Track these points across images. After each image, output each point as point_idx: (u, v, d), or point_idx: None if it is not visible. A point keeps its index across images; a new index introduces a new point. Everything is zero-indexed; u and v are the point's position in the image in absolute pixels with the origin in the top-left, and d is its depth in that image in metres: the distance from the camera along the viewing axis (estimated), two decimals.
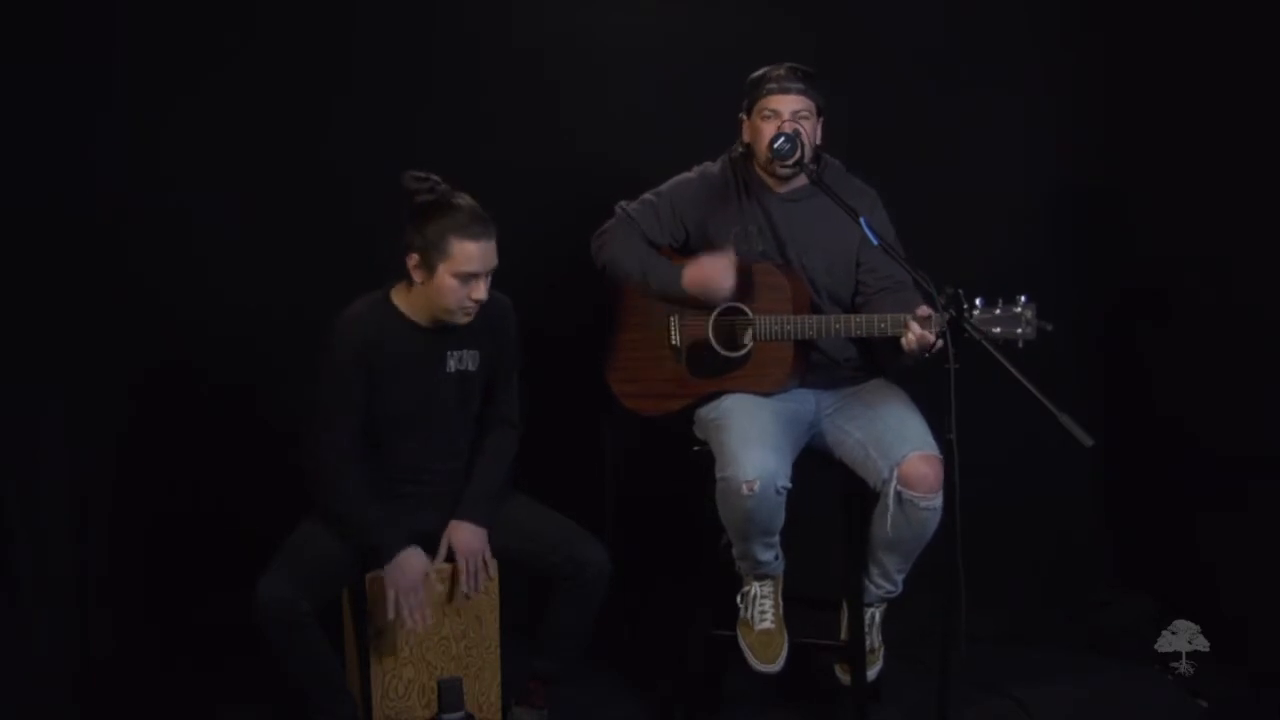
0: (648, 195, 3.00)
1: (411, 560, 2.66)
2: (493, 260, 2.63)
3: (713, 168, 3.00)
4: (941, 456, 2.67)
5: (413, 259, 2.62)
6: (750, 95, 2.88)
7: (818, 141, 2.88)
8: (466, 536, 2.74)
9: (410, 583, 2.64)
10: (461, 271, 2.59)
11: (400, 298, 2.70)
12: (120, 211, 3.21)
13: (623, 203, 3.00)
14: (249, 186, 3.33)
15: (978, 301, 2.53)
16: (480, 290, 2.63)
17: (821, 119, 2.88)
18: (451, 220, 2.59)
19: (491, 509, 2.79)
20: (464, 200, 2.64)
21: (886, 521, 2.74)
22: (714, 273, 2.82)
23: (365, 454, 2.71)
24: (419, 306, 2.68)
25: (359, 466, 2.68)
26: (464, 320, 2.67)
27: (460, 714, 2.66)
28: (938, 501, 2.69)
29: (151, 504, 3.32)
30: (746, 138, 2.92)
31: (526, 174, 3.46)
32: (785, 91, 2.82)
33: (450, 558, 2.75)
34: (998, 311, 2.53)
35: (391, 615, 2.64)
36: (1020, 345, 2.51)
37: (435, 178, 2.65)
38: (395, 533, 2.67)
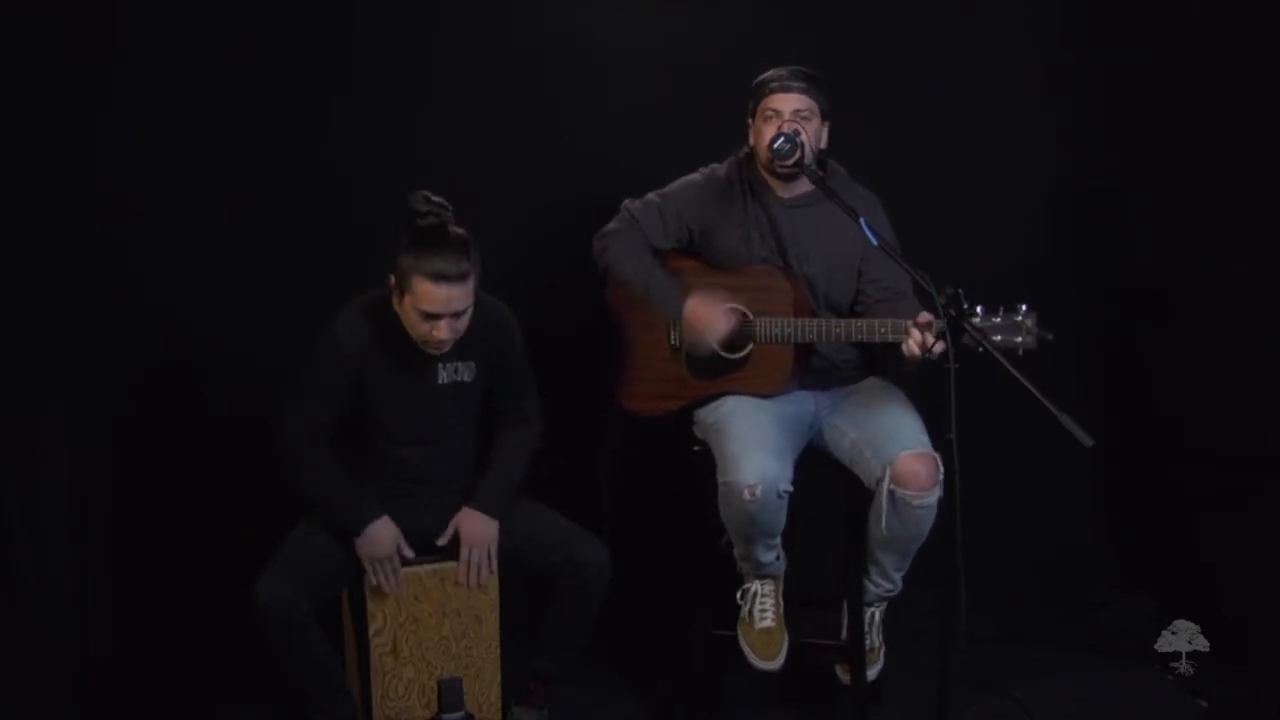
0: (652, 196, 2.99)
1: (382, 531, 2.67)
2: (456, 305, 2.56)
3: (719, 170, 2.99)
4: (935, 454, 2.68)
5: (391, 280, 2.61)
6: (754, 98, 2.88)
7: (822, 145, 2.87)
8: (476, 526, 2.74)
9: (384, 552, 2.67)
10: (421, 309, 2.56)
11: (397, 304, 2.70)
12: (120, 211, 3.20)
13: (627, 201, 3.00)
14: (249, 186, 3.33)
15: (979, 309, 2.51)
16: (442, 331, 2.57)
17: (827, 124, 2.88)
18: (423, 258, 2.52)
19: (505, 502, 2.79)
20: (452, 236, 2.56)
21: (881, 520, 2.74)
22: (712, 321, 2.81)
23: (337, 447, 2.69)
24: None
25: (327, 451, 2.67)
26: (432, 352, 2.65)
27: (460, 714, 2.66)
28: (931, 499, 2.69)
29: (151, 504, 3.32)
30: (751, 140, 2.92)
31: (526, 174, 3.46)
32: (786, 90, 2.82)
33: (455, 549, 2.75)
34: (998, 319, 2.52)
35: (373, 582, 2.68)
36: (1020, 354, 2.50)
37: (440, 202, 2.58)
38: (367, 504, 2.68)
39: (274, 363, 3.26)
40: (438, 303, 2.54)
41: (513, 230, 3.38)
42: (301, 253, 3.34)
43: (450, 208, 2.60)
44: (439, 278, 2.52)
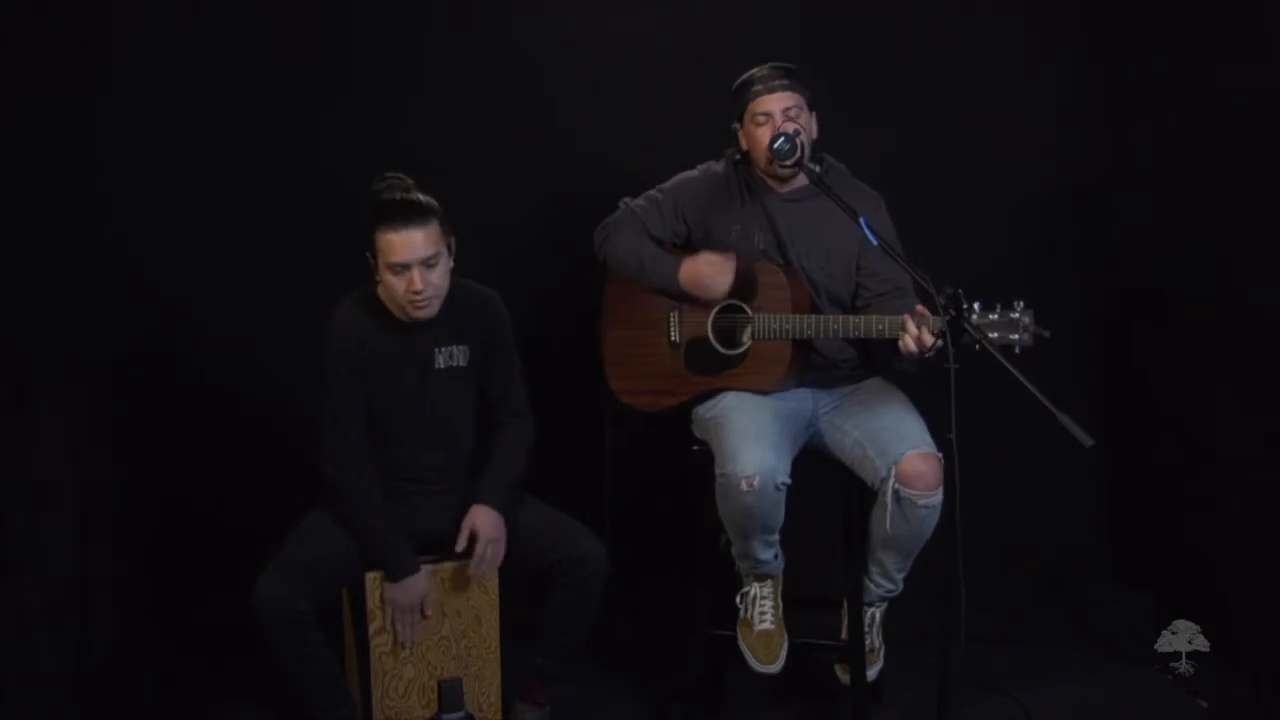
0: (652, 192, 3.00)
1: (415, 585, 2.70)
2: (419, 251, 2.59)
3: (716, 166, 3.00)
4: (939, 455, 2.68)
5: (369, 257, 2.65)
6: (738, 103, 2.88)
7: (814, 136, 2.88)
8: (490, 521, 2.74)
9: (409, 604, 2.70)
10: (389, 263, 2.60)
11: (384, 294, 2.71)
12: (120, 211, 3.21)
13: (626, 199, 3.01)
14: (249, 186, 3.33)
15: (976, 305, 2.52)
16: (416, 282, 2.60)
17: (814, 114, 2.89)
18: (380, 214, 2.60)
19: (508, 496, 2.80)
20: (407, 195, 2.64)
21: (885, 520, 2.74)
22: (710, 271, 2.83)
23: (375, 454, 2.72)
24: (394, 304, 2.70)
25: (375, 473, 2.70)
26: (417, 315, 2.66)
27: (460, 714, 2.67)
28: (936, 499, 2.69)
29: (152, 504, 3.33)
30: (745, 145, 2.92)
31: (525, 174, 3.47)
32: (771, 91, 2.83)
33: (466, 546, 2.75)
34: (994, 316, 2.52)
35: (387, 628, 2.71)
36: (1017, 351, 2.50)
37: (397, 175, 2.67)
38: (407, 553, 2.70)
39: (274, 362, 3.29)
40: (401, 249, 2.58)
41: (511, 230, 3.38)
42: (301, 252, 3.34)
43: (408, 180, 2.67)
44: (397, 225, 2.58)
